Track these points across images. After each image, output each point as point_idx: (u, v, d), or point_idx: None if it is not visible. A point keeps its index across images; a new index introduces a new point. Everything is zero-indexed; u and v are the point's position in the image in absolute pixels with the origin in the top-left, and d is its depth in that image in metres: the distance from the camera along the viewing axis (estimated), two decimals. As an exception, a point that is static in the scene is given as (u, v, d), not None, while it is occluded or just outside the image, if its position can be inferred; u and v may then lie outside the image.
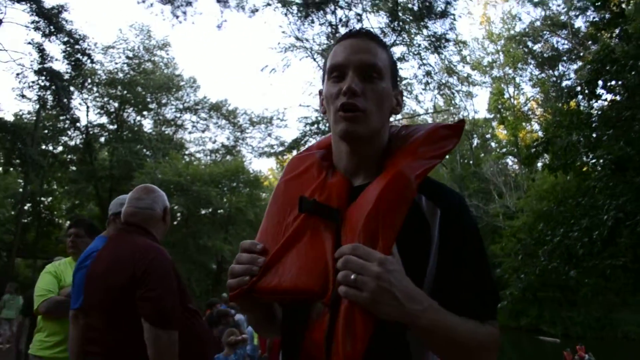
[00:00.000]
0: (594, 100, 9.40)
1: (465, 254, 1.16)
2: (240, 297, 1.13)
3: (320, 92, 1.36)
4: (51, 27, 19.32)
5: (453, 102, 28.04)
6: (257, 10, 19.64)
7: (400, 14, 19.46)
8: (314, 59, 23.32)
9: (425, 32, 20.57)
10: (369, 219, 1.08)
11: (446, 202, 1.20)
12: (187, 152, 34.98)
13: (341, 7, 19.11)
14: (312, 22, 19.83)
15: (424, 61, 21.83)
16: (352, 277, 0.98)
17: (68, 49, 20.07)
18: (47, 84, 20.51)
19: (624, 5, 9.53)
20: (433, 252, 1.15)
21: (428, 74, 22.21)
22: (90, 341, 2.38)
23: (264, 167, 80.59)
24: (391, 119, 1.34)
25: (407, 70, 21.68)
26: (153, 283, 2.19)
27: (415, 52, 21.61)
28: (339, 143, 1.28)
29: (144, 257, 2.26)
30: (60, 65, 20.71)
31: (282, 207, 1.23)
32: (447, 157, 37.45)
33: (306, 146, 1.54)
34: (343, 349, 0.99)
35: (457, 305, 1.09)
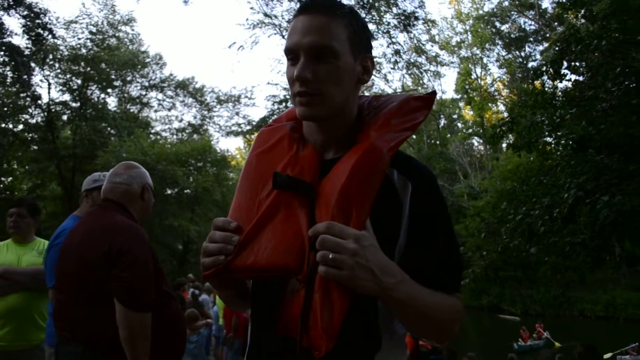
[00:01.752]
0: (558, 81, 9.52)
1: (434, 229, 1.18)
2: (215, 276, 1.11)
3: None
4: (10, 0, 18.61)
5: (421, 81, 28.18)
6: (224, -15, 19.25)
7: (369, -9, 19.36)
8: (283, 36, 23.06)
9: (394, 10, 20.52)
10: (341, 194, 1.09)
11: (418, 177, 1.20)
12: (152, 131, 34.42)
13: (309, -16, 18.90)
14: (281, -2, 19.59)
15: (393, 39, 21.80)
16: (330, 256, 0.98)
17: (28, 23, 19.41)
18: (7, 59, 19.89)
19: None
20: (403, 226, 1.16)
21: (397, 52, 22.23)
22: (61, 316, 2.34)
23: (232, 146, 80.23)
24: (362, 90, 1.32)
25: (376, 49, 21.57)
26: (127, 263, 2.16)
27: (385, 31, 21.56)
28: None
29: (119, 235, 2.23)
30: (20, 40, 20.07)
31: (254, 182, 1.21)
32: (414, 137, 37.73)
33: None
34: (321, 322, 1.01)
35: (426, 277, 1.11)
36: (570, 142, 8.27)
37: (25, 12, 19.15)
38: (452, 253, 1.20)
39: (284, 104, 24.63)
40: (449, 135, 42.18)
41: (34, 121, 28.28)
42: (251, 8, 24.00)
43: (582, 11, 9.54)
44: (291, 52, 1.19)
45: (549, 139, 9.58)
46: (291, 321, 1.08)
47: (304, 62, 1.16)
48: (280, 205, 1.14)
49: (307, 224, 1.09)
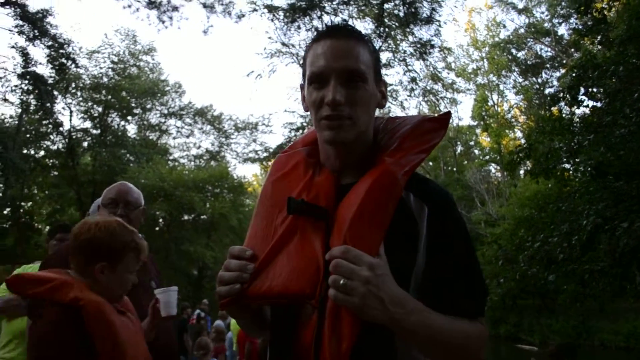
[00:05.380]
0: (575, 107, 9.50)
1: (453, 252, 1.15)
2: (231, 305, 1.12)
3: (302, 87, 1.31)
4: (35, 31, 19.06)
5: (437, 108, 28.17)
6: (243, 15, 19.62)
7: (386, 20, 19.54)
8: (300, 65, 23.30)
9: (410, 38, 20.68)
10: (355, 220, 1.08)
11: (433, 200, 1.18)
12: (171, 158, 34.76)
13: (327, 13, 19.14)
14: (299, 27, 19.84)
15: (409, 67, 21.90)
16: (342, 282, 0.97)
17: (52, 53, 19.83)
18: (31, 87, 20.31)
19: (606, 12, 9.65)
20: (421, 250, 1.14)
21: (413, 80, 22.29)
22: None
23: (249, 173, 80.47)
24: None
25: (393, 76, 21.53)
26: None
27: (401, 59, 21.69)
28: (324, 145, 1.26)
29: None
30: (44, 69, 20.52)
31: (270, 209, 1.22)
32: (430, 164, 37.61)
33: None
34: (329, 350, 1.00)
35: (446, 303, 1.10)
36: (589, 169, 8.19)
37: (50, 43, 19.56)
38: (473, 277, 1.17)
39: (300, 131, 24.78)
40: (465, 162, 41.92)
41: (55, 147, 28.76)
42: (269, 37, 24.36)
43: (599, 37, 9.56)
44: (319, 76, 1.18)
45: (567, 166, 9.52)
46: (303, 348, 1.07)
47: (336, 86, 1.15)
48: (295, 231, 1.13)
49: (322, 249, 1.08)
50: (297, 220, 1.14)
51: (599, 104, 9.40)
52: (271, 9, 19.68)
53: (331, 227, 1.11)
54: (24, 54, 19.29)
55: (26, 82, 20.08)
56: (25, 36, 19.05)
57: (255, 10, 19.70)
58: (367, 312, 0.97)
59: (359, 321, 1.00)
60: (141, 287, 2.37)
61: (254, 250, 1.14)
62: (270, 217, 1.20)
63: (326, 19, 19.13)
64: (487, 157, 41.37)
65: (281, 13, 19.65)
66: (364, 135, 1.23)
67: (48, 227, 29.45)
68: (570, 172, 9.70)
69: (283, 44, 22.34)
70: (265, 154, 31.05)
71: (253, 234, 1.20)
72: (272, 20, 20.26)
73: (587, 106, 9.57)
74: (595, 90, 9.11)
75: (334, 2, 18.97)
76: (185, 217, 29.59)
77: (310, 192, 1.19)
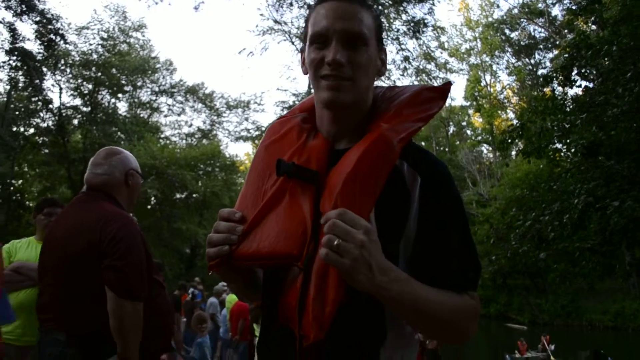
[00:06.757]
0: (568, 87, 9.49)
1: (443, 224, 1.13)
2: (220, 266, 1.11)
3: (302, 51, 1.29)
4: (23, 6, 18.77)
5: (430, 88, 28.17)
6: (235, -9, 19.35)
7: (379, -2, 19.39)
8: (292, 43, 23.14)
9: (404, 16, 20.54)
10: (347, 184, 1.07)
11: (427, 171, 1.16)
12: (162, 136, 34.66)
13: (320, -10, 18.98)
14: (291, 4, 19.66)
15: (402, 46, 21.80)
16: (336, 242, 0.95)
17: (40, 28, 19.56)
18: (19, 64, 20.08)
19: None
20: (411, 220, 1.12)
21: (406, 59, 22.20)
22: (46, 308, 2.25)
23: (241, 151, 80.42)
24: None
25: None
26: (120, 252, 2.12)
27: (394, 37, 21.56)
28: (322, 109, 1.25)
29: (110, 224, 2.17)
30: (33, 46, 20.26)
31: (261, 172, 1.21)
32: (423, 144, 37.68)
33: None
34: (313, 312, 1.01)
35: (435, 275, 1.08)
36: (580, 148, 8.22)
37: (38, 18, 19.29)
38: (465, 250, 1.14)
39: (292, 109, 24.69)
40: (457, 142, 42.10)
41: (45, 125, 28.54)
42: (261, 15, 24.12)
43: (592, 18, 9.54)
44: (321, 37, 1.17)
45: (558, 146, 9.55)
46: (289, 309, 1.08)
47: (338, 46, 1.14)
48: (285, 193, 1.13)
49: (311, 211, 1.08)
50: (287, 183, 1.14)
51: (591, 84, 9.41)
52: (264, -15, 19.43)
53: (321, 191, 1.11)
54: (12, 30, 19.02)
55: (14, 58, 19.86)
56: (12, 11, 18.79)
57: (247, -14, 19.41)
58: (355, 276, 0.96)
59: (345, 287, 1.00)
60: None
61: (244, 213, 1.14)
62: (260, 180, 1.20)
63: (319, -4, 18.97)
64: (479, 137, 41.55)
65: (274, -11, 19.44)
66: (361, 100, 1.21)
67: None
68: (562, 152, 9.74)
69: (275, 21, 22.12)
70: (257, 133, 30.97)
71: (243, 197, 1.21)
72: (264, -4, 20.01)
73: (579, 86, 9.57)
74: (588, 70, 9.11)
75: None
76: (178, 196, 29.61)
77: (301, 155, 1.18)
